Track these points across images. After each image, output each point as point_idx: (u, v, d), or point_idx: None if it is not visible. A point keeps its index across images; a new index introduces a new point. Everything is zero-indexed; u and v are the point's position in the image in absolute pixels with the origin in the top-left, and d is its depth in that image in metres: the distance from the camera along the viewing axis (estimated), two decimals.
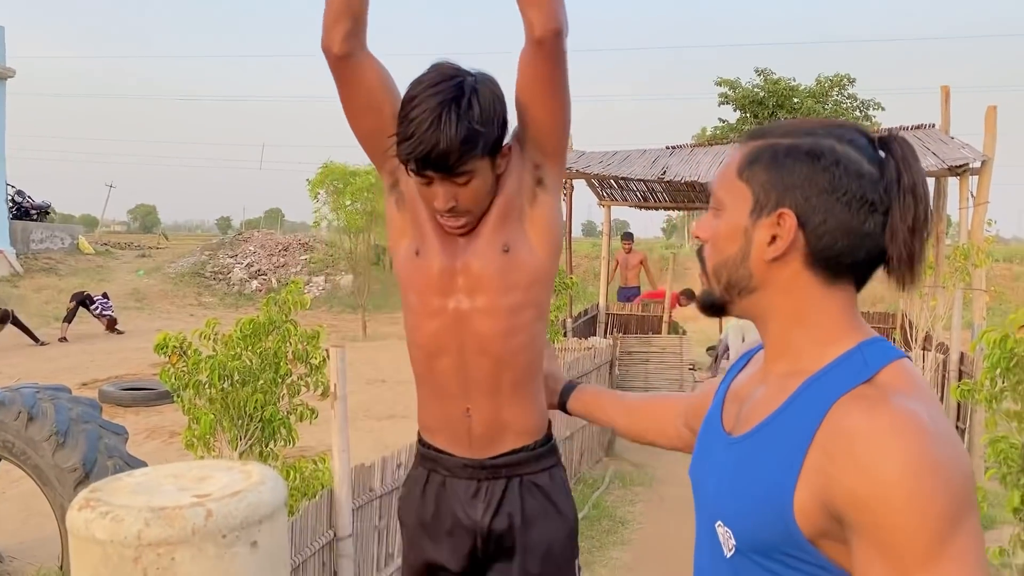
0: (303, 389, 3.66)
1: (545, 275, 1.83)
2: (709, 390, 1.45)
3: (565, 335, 8.63)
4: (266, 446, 3.63)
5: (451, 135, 1.57)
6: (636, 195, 10.80)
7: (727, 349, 10.90)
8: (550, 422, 1.94)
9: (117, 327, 15.27)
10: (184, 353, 3.43)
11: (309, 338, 3.56)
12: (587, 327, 10.74)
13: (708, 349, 12.07)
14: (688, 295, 10.78)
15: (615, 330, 10.48)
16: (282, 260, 24.52)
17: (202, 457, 3.67)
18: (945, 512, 0.92)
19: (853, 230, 1.07)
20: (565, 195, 10.08)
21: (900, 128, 9.05)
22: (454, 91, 1.60)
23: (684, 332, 11.31)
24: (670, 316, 10.87)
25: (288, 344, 3.53)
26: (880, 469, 0.94)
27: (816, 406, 1.04)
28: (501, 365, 1.80)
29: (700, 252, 1.22)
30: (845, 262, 1.09)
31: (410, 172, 1.66)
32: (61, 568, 4.57)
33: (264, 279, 23.67)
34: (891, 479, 0.93)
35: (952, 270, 6.75)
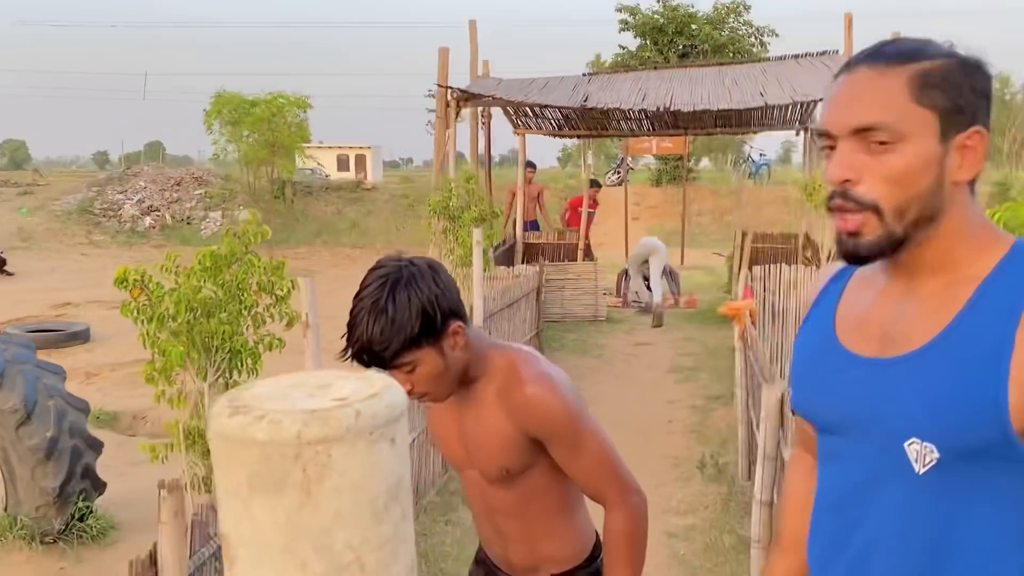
0: (268, 320, 3.64)
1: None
2: (805, 427, 1.43)
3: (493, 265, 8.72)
4: (231, 377, 3.62)
5: (371, 336, 1.70)
6: (552, 123, 10.85)
7: (628, 274, 11.30)
8: (597, 541, 2.02)
9: (6, 268, 14.50)
10: (145, 286, 3.36)
11: (274, 269, 3.53)
12: (506, 257, 10.85)
13: (621, 272, 12.41)
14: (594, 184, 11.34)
15: (531, 259, 10.65)
16: (175, 195, 23.56)
17: (163, 391, 3.63)
18: None
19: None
20: (483, 123, 10.05)
21: (805, 55, 9.38)
22: (376, 293, 1.72)
23: (596, 259, 11.58)
24: (586, 243, 11.10)
25: (252, 275, 3.49)
26: None
27: (1005, 306, 1.08)
28: (523, 520, 1.94)
29: (846, 195, 1.14)
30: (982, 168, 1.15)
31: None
32: (5, 510, 4.46)
33: (157, 215, 22.74)
34: None
35: None
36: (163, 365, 3.50)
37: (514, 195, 12.14)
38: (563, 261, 11.01)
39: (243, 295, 3.50)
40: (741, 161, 23.08)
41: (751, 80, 8.33)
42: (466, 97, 7.94)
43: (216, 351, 3.48)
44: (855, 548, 1.23)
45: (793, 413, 1.43)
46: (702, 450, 5.94)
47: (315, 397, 1.22)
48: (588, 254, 11.24)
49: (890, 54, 1.13)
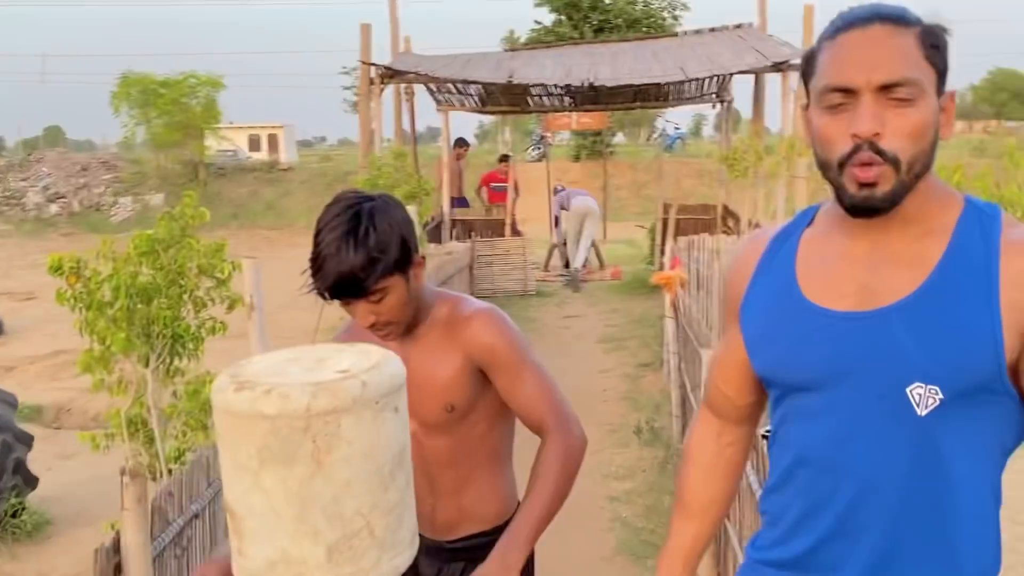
0: (209, 304, 3.59)
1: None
2: (724, 356, 1.49)
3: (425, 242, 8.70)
4: (171, 363, 3.56)
5: (353, 263, 1.69)
6: (475, 100, 10.85)
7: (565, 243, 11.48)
8: (517, 506, 1.98)
9: None
10: (81, 273, 3.28)
11: (214, 251, 3.48)
12: (434, 234, 10.85)
13: (552, 246, 12.51)
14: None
15: (461, 235, 10.67)
16: (82, 181, 22.68)
17: (102, 380, 3.56)
18: None
19: None
20: (407, 99, 9.99)
21: (721, 27, 9.61)
22: (352, 222, 1.71)
23: (523, 234, 11.67)
24: (513, 219, 11.18)
25: (192, 259, 3.44)
26: None
27: (980, 251, 1.18)
28: (458, 469, 1.95)
29: (876, 148, 1.17)
30: None
31: (328, 300, 1.77)
32: None
33: (64, 202, 21.87)
34: None
35: (778, 160, 7.38)
36: (101, 353, 3.43)
37: (459, 173, 12.12)
38: (491, 237, 11.08)
39: (183, 279, 3.44)
40: (657, 135, 23.48)
41: (671, 54, 8.50)
42: (390, 74, 7.87)
43: (157, 336, 3.42)
44: (845, 497, 1.25)
45: (766, 381, 1.39)
46: (637, 416, 6.12)
47: (315, 371, 1.26)
48: (515, 230, 11.33)
49: (895, 14, 1.18)
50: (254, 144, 37.57)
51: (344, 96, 38.35)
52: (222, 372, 1.30)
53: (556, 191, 11.69)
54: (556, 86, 7.78)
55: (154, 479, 3.59)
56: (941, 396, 1.16)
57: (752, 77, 9.11)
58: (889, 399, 1.19)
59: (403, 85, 9.19)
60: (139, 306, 3.34)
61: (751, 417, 1.55)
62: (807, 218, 1.40)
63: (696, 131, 52.64)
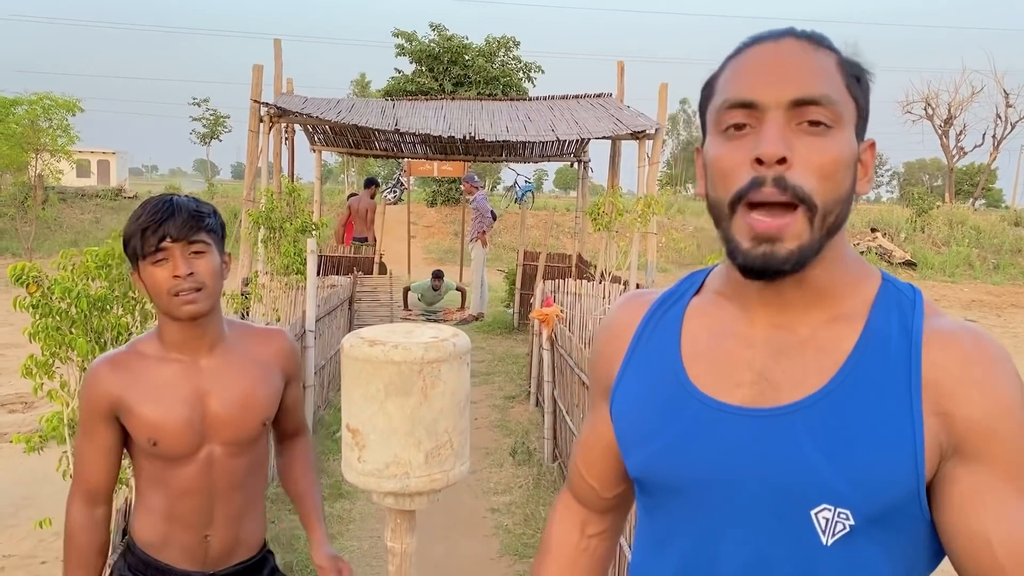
0: (155, 316, 3.91)
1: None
2: (589, 440, 1.26)
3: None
4: None
5: (184, 207, 1.77)
6: (348, 141, 11.31)
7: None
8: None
9: None
10: (42, 283, 3.55)
11: None
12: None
13: (405, 289, 13.04)
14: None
15: (330, 272, 11.00)
16: None
17: (41, 385, 3.78)
18: None
19: None
20: (286, 139, 10.32)
21: (584, 95, 10.61)
22: (173, 196, 1.82)
23: (391, 272, 12.14)
24: (380, 257, 11.63)
25: None
26: (1003, 392, 0.92)
27: (900, 342, 0.96)
28: (245, 492, 1.96)
29: (783, 182, 0.92)
30: None
31: (144, 257, 1.77)
32: None
33: None
34: (1013, 402, 0.92)
35: (633, 217, 8.30)
36: (44, 360, 3.67)
37: (353, 210, 12.38)
38: (358, 274, 11.46)
39: (134, 291, 3.76)
40: (509, 187, 24.56)
41: (542, 115, 9.37)
42: (279, 114, 8.26)
43: (108, 344, 3.71)
44: None
45: (639, 482, 1.13)
46: (509, 440, 6.72)
47: (412, 335, 1.82)
48: (382, 267, 11.79)
49: (814, 33, 0.99)
50: (82, 171, 35.80)
51: (193, 127, 37.45)
52: (349, 335, 1.87)
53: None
54: (440, 137, 8.41)
55: None
56: (852, 522, 0.94)
57: (610, 142, 10.11)
58: (788, 522, 0.96)
59: (284, 124, 9.55)
60: (94, 315, 3.62)
61: (620, 506, 1.31)
62: (696, 283, 1.17)
63: (539, 185, 54.94)
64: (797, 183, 0.91)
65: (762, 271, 0.95)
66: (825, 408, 0.96)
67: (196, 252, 1.77)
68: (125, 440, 1.91)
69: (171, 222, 1.74)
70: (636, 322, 1.16)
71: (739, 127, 0.95)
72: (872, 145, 1.00)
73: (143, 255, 1.77)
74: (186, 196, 1.83)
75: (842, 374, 0.96)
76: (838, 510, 0.94)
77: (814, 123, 0.93)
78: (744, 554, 0.99)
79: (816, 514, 0.95)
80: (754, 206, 0.94)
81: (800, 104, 0.92)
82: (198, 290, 1.77)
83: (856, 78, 0.98)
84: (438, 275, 12.15)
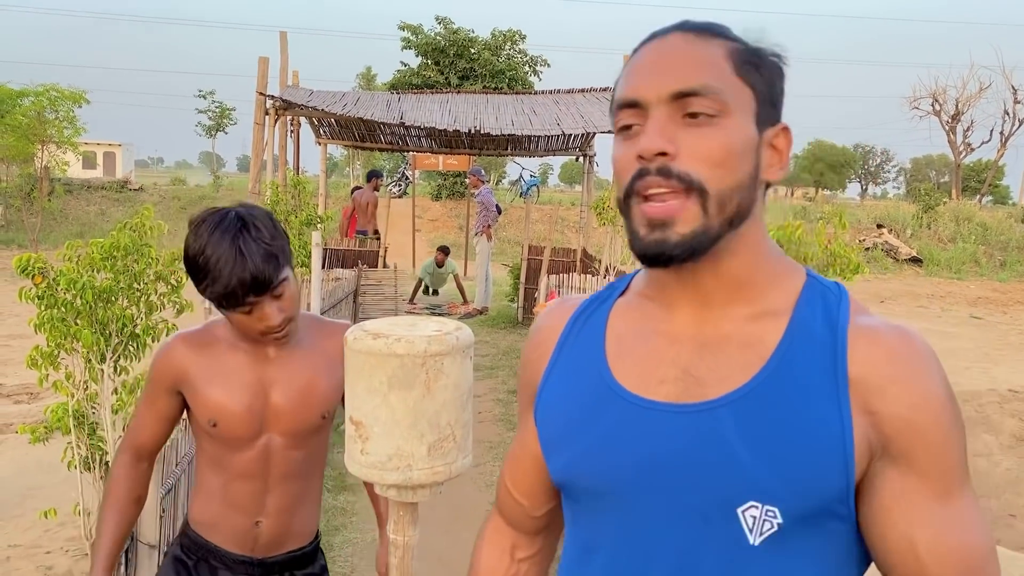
0: (160, 307, 3.92)
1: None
2: (517, 453, 1.26)
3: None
4: (117, 361, 3.85)
5: (257, 254, 1.73)
6: (354, 135, 11.30)
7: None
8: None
9: None
10: (47, 274, 3.56)
11: (171, 260, 3.83)
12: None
13: (418, 283, 13.05)
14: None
15: (334, 265, 11.02)
16: None
17: (46, 376, 3.80)
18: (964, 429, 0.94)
19: None
20: (291, 131, 10.32)
21: (590, 89, 10.59)
22: (235, 226, 1.75)
23: (396, 266, 12.17)
24: (385, 251, 11.65)
25: (151, 266, 3.78)
26: (931, 392, 0.92)
27: (825, 338, 0.96)
28: (304, 481, 2.00)
29: (667, 171, 0.93)
30: None
31: (226, 307, 1.79)
32: None
33: None
34: (940, 402, 0.92)
35: None
36: (49, 351, 3.69)
37: (356, 203, 12.43)
38: (363, 267, 11.49)
39: (139, 283, 3.77)
40: (514, 181, 24.58)
41: (547, 109, 9.35)
42: (284, 106, 8.27)
43: (112, 336, 3.72)
44: None
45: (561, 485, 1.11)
46: (511, 435, 6.74)
47: (416, 328, 1.82)
48: (383, 261, 11.81)
49: (701, 24, 1.00)
50: (88, 162, 35.89)
51: (199, 120, 37.51)
52: (354, 328, 1.87)
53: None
54: (445, 131, 8.41)
55: (88, 470, 3.85)
56: (780, 521, 0.92)
57: (612, 135, 10.09)
58: (715, 522, 0.95)
59: (289, 117, 9.56)
60: (99, 307, 3.63)
61: (551, 526, 1.27)
62: (620, 286, 1.17)
63: (544, 180, 54.96)
64: (684, 170, 0.93)
65: (656, 256, 0.96)
66: (751, 403, 0.95)
67: (279, 295, 1.80)
68: (188, 417, 1.98)
69: (252, 281, 1.74)
70: (561, 326, 1.17)
71: (629, 127, 0.98)
72: (784, 130, 1.00)
73: (229, 309, 1.81)
74: (243, 223, 1.76)
75: (768, 369, 0.96)
76: (766, 508, 0.93)
77: (696, 114, 0.94)
78: (672, 557, 0.97)
79: (743, 512, 0.93)
80: (648, 198, 0.95)
81: (680, 96, 0.94)
82: (289, 320, 1.83)
83: (754, 65, 0.98)
84: (444, 250, 12.16)
